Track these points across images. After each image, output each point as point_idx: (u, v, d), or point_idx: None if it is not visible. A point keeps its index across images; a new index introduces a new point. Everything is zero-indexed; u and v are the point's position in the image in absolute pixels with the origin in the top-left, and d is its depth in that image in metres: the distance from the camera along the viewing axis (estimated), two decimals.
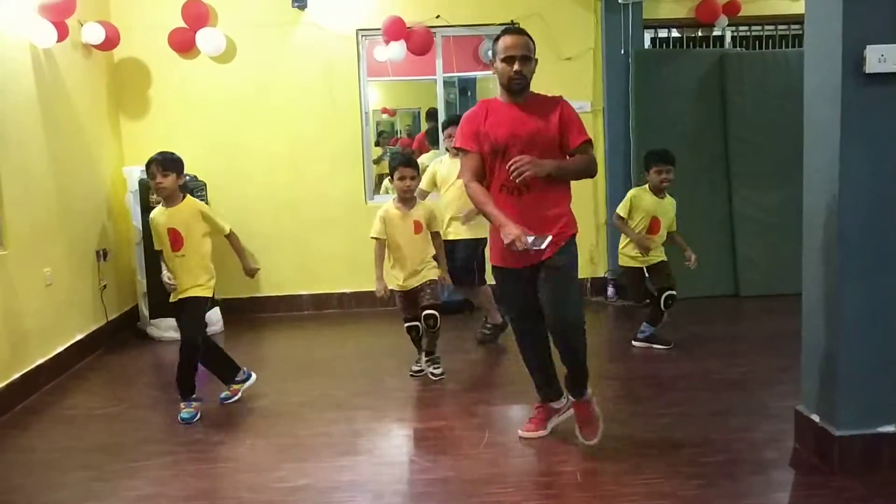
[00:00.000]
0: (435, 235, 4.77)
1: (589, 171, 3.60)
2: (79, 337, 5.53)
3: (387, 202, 4.81)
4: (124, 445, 3.94)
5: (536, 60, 3.54)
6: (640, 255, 5.32)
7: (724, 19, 7.02)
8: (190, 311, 4.37)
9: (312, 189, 6.87)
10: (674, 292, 5.31)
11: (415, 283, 4.70)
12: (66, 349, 5.30)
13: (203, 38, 6.53)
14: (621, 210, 5.33)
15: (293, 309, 6.98)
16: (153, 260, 6.12)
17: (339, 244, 6.81)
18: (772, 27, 7.35)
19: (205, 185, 6.39)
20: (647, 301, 5.49)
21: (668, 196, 5.40)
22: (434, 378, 4.76)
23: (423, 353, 4.86)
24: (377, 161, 10.27)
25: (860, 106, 3.12)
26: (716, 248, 6.93)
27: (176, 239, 4.32)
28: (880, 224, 3.19)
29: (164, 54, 6.66)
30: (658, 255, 5.38)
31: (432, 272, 4.74)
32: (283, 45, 6.78)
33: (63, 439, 4.05)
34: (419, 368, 4.87)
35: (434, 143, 8.50)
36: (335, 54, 6.82)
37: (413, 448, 3.86)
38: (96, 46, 6.10)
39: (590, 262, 7.04)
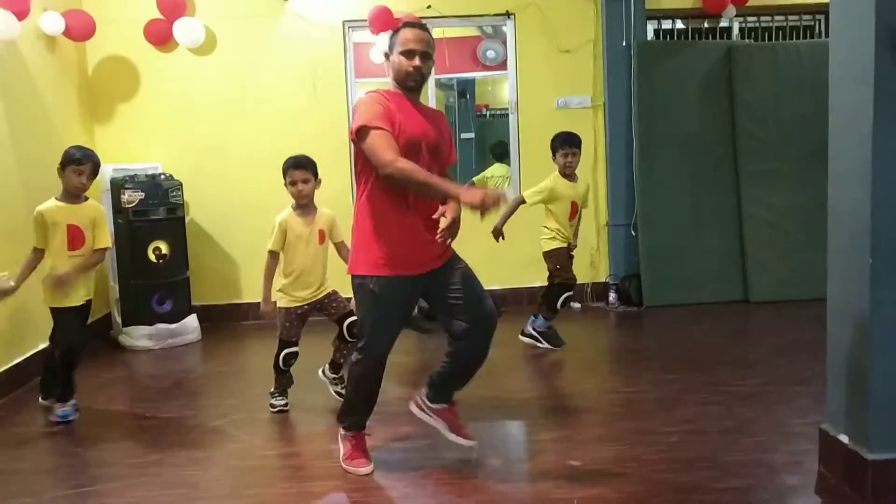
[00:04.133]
0: (340, 246, 4.27)
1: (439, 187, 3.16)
2: (41, 346, 5.13)
3: (284, 211, 4.27)
4: (71, 468, 3.55)
5: (433, 62, 3.25)
6: (560, 235, 5.18)
7: (731, 9, 6.64)
8: (84, 318, 4.26)
9: None
10: (570, 294, 5.21)
11: (319, 294, 4.24)
12: (24, 360, 4.92)
13: (181, 29, 6.15)
14: (528, 197, 5.18)
15: (276, 316, 6.57)
16: (126, 265, 5.80)
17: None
18: (782, 17, 6.97)
19: (181, 184, 6.01)
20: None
21: (580, 179, 5.30)
22: (341, 399, 4.19)
23: (329, 368, 4.40)
24: None
25: None
26: (724, 251, 6.57)
27: (77, 237, 4.11)
28: None
29: (140, 47, 6.30)
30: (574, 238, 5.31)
31: (330, 286, 4.30)
32: (266, 38, 6.41)
33: (5, 461, 3.65)
34: (285, 403, 4.28)
35: None
36: (320, 47, 6.45)
37: (387, 472, 3.45)
38: (69, 37, 5.74)
39: (590, 267, 6.65)
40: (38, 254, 4.13)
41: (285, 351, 4.25)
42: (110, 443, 3.89)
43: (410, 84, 3.18)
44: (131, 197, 5.68)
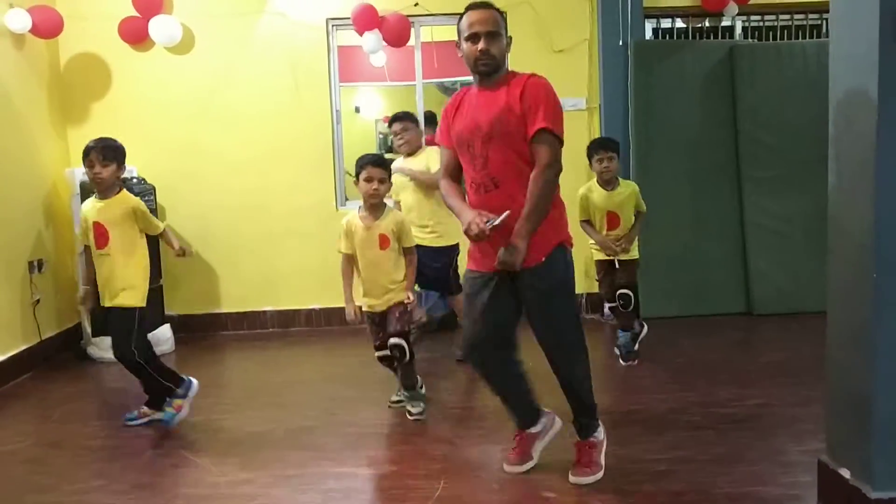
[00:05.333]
0: (407, 251, 4.02)
1: (550, 187, 2.99)
2: (0, 358, 4.90)
3: (351, 211, 4.10)
4: (6, 494, 3.27)
5: (510, 39, 3.07)
6: (595, 247, 4.99)
7: (733, 7, 6.36)
8: (118, 325, 3.93)
9: (278, 195, 6.22)
10: (626, 291, 4.91)
11: (382, 305, 3.99)
12: None
13: (156, 26, 5.90)
14: (579, 214, 4.89)
15: (256, 326, 6.32)
16: None
17: (307, 256, 6.16)
18: (787, 16, 6.69)
19: (153, 188, 5.75)
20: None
21: (621, 184, 4.93)
22: (411, 417, 4.03)
23: (401, 387, 4.16)
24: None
25: None
26: (725, 260, 6.27)
27: (101, 235, 3.87)
28: None
29: (114, 45, 6.05)
30: (626, 253, 4.94)
31: (400, 294, 4.00)
32: (246, 37, 6.15)
33: None
34: (398, 399, 4.19)
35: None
36: (303, 47, 6.19)
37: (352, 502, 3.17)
38: (37, 35, 5.51)
39: (585, 276, 6.33)
40: (85, 251, 4.06)
41: (376, 355, 4.10)
42: (53, 465, 3.61)
43: (482, 69, 3.00)
44: None
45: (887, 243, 2.51)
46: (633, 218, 4.95)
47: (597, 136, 6.29)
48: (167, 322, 5.86)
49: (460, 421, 4.09)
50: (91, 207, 3.97)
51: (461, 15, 3.06)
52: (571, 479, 3.13)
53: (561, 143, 2.99)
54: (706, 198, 6.26)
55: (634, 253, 5.01)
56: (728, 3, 6.32)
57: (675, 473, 3.21)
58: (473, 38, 2.97)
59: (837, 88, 2.72)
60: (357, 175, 3.93)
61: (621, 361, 4.92)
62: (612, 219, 4.88)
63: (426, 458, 3.52)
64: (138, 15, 5.91)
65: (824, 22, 6.72)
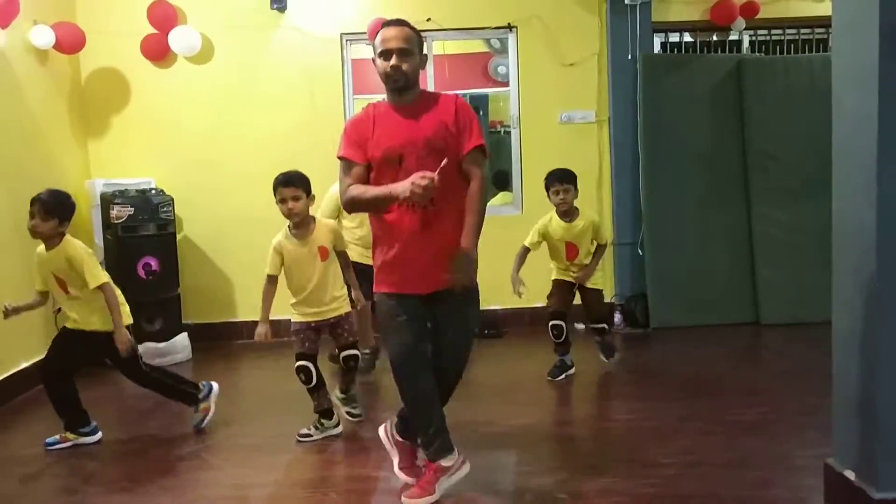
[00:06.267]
0: (340, 254, 4.10)
1: (484, 200, 3.08)
2: (24, 365, 5.02)
3: (280, 232, 4.07)
4: (32, 497, 3.39)
5: (424, 57, 3.09)
6: (557, 270, 5.00)
7: (741, 22, 6.45)
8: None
9: None
10: (601, 325, 5.08)
11: (329, 314, 4.03)
12: (5, 379, 4.80)
13: (176, 37, 6.05)
14: (530, 238, 4.93)
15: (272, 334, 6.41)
16: (117, 281, 5.63)
17: None
18: (794, 31, 6.77)
19: (172, 199, 5.88)
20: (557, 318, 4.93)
21: (580, 215, 4.90)
22: (352, 420, 4.14)
23: (338, 392, 4.22)
24: None
25: None
26: (733, 271, 6.35)
27: (60, 284, 3.97)
28: None
29: (135, 60, 6.20)
30: (593, 282, 4.99)
31: (346, 304, 4.09)
32: (262, 51, 6.29)
33: None
34: (307, 432, 4.02)
35: None
36: (318, 60, 6.32)
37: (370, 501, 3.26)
38: (56, 50, 5.65)
39: None
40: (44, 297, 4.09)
41: (296, 364, 4.03)
42: (76, 469, 3.72)
43: (392, 86, 3.00)
44: (120, 212, 5.56)
45: (888, 252, 2.60)
46: (593, 249, 4.96)
47: (606, 148, 6.43)
48: (184, 331, 5.96)
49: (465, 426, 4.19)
50: (38, 257, 4.02)
51: (377, 32, 3.05)
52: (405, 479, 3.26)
53: (487, 157, 3.12)
54: (714, 209, 6.34)
55: (599, 283, 5.06)
56: (736, 17, 6.41)
57: (684, 477, 3.29)
58: (386, 54, 2.96)
59: (839, 101, 2.82)
60: (275, 196, 3.97)
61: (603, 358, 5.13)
62: (571, 249, 4.89)
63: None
64: (156, 31, 6.06)
65: (830, 36, 6.81)
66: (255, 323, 6.14)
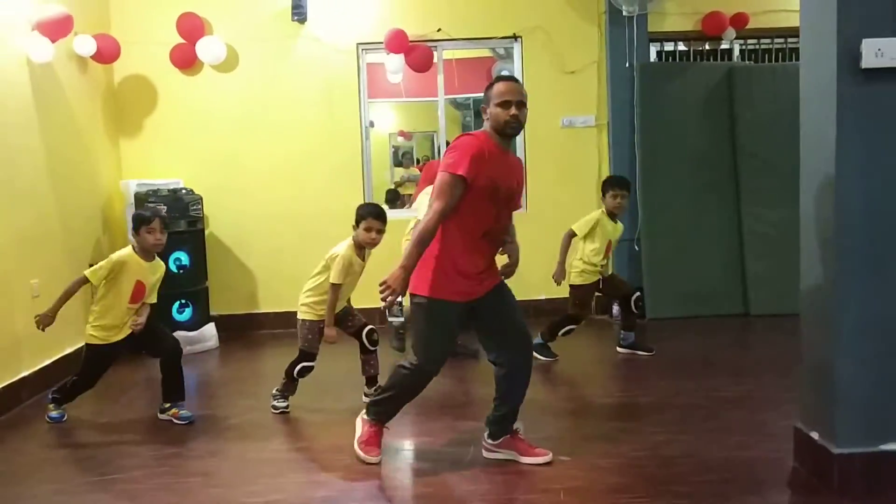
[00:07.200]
0: None
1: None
2: (68, 351, 5.44)
3: (345, 248, 4.37)
4: (96, 459, 3.81)
5: (527, 110, 3.45)
6: (592, 269, 5.43)
7: (731, 32, 6.88)
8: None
9: (312, 205, 6.77)
10: (639, 293, 5.62)
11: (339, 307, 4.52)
12: (53, 363, 5.20)
13: (203, 46, 6.49)
14: (579, 229, 5.37)
15: (292, 326, 6.72)
16: None
17: None
18: (781, 40, 7.20)
19: (201, 198, 6.30)
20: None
21: (619, 219, 5.54)
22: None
23: (366, 385, 4.62)
24: (400, 183, 10.21)
25: (856, 103, 2.97)
26: (724, 265, 6.77)
27: (139, 292, 4.29)
28: (879, 228, 3.02)
29: (164, 68, 6.63)
30: (606, 268, 5.61)
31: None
32: (283, 59, 6.73)
33: (36, 452, 3.94)
34: (286, 406, 4.48)
35: None
36: (336, 68, 6.76)
37: (392, 464, 3.69)
38: (94, 59, 6.08)
39: None
40: (88, 285, 4.30)
41: (303, 363, 4.46)
42: (132, 438, 4.15)
43: (508, 132, 3.39)
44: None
45: (844, 236, 3.03)
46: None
47: (605, 150, 6.86)
48: (211, 321, 6.38)
49: (482, 406, 4.60)
50: (137, 264, 4.27)
51: (492, 83, 3.46)
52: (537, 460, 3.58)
53: None
54: (706, 207, 6.77)
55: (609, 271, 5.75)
56: (727, 27, 6.84)
57: (671, 443, 3.72)
58: (506, 104, 3.32)
59: (805, 111, 3.25)
60: (357, 223, 4.31)
61: (623, 350, 5.56)
62: (607, 247, 5.44)
63: (455, 431, 4.05)
64: (184, 41, 6.50)
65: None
66: (275, 314, 6.66)
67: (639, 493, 3.17)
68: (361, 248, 4.39)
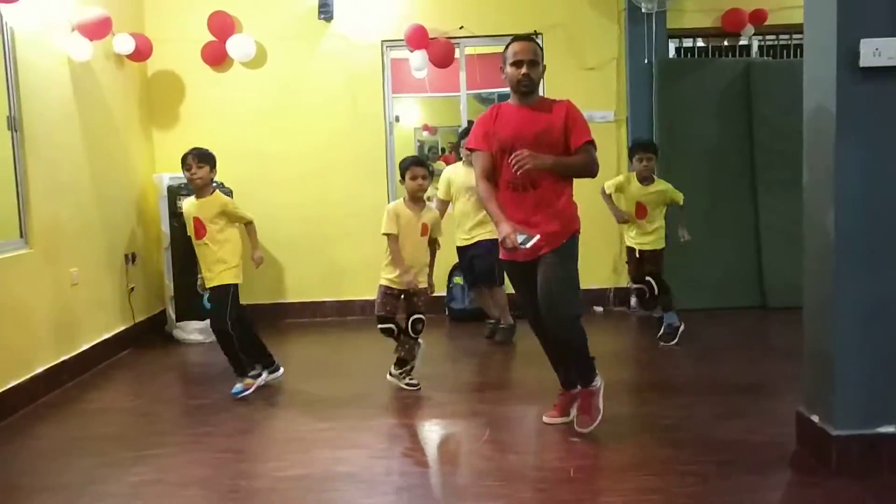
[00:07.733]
0: (432, 241, 4.73)
1: (588, 170, 3.76)
2: (105, 336, 5.70)
3: (396, 201, 4.75)
4: (134, 436, 4.05)
5: (544, 67, 3.75)
6: (633, 236, 5.74)
7: (750, 28, 6.98)
8: (216, 300, 4.66)
9: (337, 198, 6.98)
10: (648, 279, 5.71)
11: (404, 286, 4.60)
12: (91, 347, 5.46)
13: (233, 44, 6.71)
14: (609, 188, 5.74)
15: (317, 315, 7.07)
16: (181, 264, 6.33)
17: (362, 253, 6.82)
18: (799, 36, 7.21)
19: (231, 192, 6.51)
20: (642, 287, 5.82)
21: (656, 182, 5.67)
22: (411, 390, 4.62)
23: (394, 366, 4.72)
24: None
25: (855, 101, 3.12)
26: (742, 258, 6.88)
27: (199, 228, 4.60)
28: (877, 221, 3.16)
29: (195, 65, 6.86)
30: (652, 243, 5.71)
31: (423, 281, 4.70)
32: (310, 56, 6.94)
33: (76, 430, 4.18)
34: (413, 382, 4.68)
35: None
36: (360, 64, 6.95)
37: (412, 443, 3.89)
38: (129, 57, 6.32)
39: (612, 273, 7.02)
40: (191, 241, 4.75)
41: (379, 326, 4.64)
42: (167, 417, 4.40)
43: (522, 89, 3.67)
44: None
45: (844, 229, 3.17)
46: (663, 210, 5.73)
47: (624, 145, 6.96)
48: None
49: (501, 389, 4.80)
50: (190, 205, 4.72)
51: (507, 45, 3.71)
52: (578, 428, 3.78)
53: (596, 149, 3.77)
54: (724, 201, 6.87)
55: (660, 244, 5.74)
56: (745, 24, 6.94)
57: (679, 427, 3.88)
58: (517, 63, 3.64)
59: (808, 106, 3.39)
60: (403, 175, 4.63)
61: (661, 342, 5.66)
62: (640, 209, 5.65)
63: (471, 413, 4.24)
64: (215, 38, 6.72)
65: None
66: (301, 304, 6.86)
67: (645, 471, 3.33)
68: (413, 202, 4.61)
